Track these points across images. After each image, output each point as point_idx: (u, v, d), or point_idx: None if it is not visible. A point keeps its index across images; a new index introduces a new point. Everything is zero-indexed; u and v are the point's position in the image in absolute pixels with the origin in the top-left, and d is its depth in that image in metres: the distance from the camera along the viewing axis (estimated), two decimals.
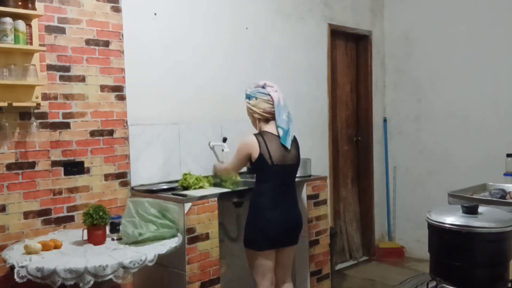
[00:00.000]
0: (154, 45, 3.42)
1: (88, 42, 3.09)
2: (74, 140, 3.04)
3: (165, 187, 3.25)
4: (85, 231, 2.69)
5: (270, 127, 2.94)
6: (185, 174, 3.32)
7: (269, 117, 2.94)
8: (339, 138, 5.05)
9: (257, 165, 2.91)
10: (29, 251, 2.49)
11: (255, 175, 3.00)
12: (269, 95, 2.92)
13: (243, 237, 3.00)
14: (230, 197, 3.28)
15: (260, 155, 2.85)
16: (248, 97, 2.98)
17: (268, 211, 2.89)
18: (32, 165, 2.87)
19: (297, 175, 3.66)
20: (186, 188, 3.21)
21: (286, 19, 4.33)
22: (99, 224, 2.65)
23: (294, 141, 3.01)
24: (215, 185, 3.35)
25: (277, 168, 2.90)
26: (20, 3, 2.66)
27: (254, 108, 2.94)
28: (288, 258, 3.08)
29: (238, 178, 3.41)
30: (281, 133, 2.91)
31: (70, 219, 3.02)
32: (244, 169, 3.42)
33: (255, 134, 2.92)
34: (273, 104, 2.91)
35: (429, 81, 5.05)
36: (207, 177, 3.36)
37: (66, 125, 3.00)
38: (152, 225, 2.75)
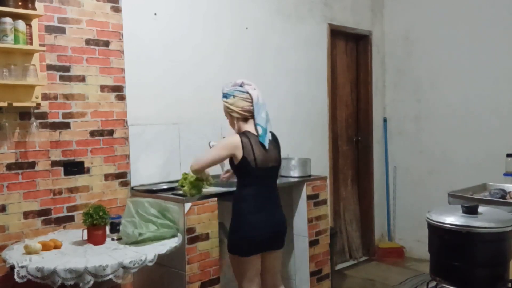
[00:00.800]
0: (154, 45, 3.42)
1: (88, 42, 3.09)
2: (74, 140, 3.04)
3: (165, 187, 3.25)
4: (85, 231, 2.69)
5: (249, 127, 2.82)
6: (185, 174, 3.31)
7: (248, 116, 2.82)
8: (339, 138, 5.05)
9: (240, 169, 2.77)
10: (29, 251, 2.48)
11: (237, 178, 2.87)
12: (247, 93, 2.81)
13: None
14: (230, 197, 3.27)
15: (243, 158, 2.73)
16: (226, 95, 2.85)
17: (252, 215, 2.78)
18: (32, 165, 2.87)
19: (296, 175, 3.70)
20: None
21: (286, 19, 4.33)
22: (99, 224, 2.65)
23: (275, 141, 2.91)
24: (215, 185, 3.34)
25: (261, 172, 2.79)
26: (20, 3, 2.66)
27: (232, 107, 2.81)
28: (274, 262, 2.97)
29: (210, 180, 3.16)
30: (260, 131, 2.78)
31: (70, 219, 3.02)
32: None
33: (239, 134, 2.79)
34: (251, 102, 2.80)
35: (429, 81, 5.04)
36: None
37: (66, 125, 3.00)
38: (152, 225, 2.75)
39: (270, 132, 2.88)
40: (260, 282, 2.92)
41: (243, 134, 2.78)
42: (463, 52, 4.75)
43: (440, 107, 4.96)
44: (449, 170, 4.87)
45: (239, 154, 2.73)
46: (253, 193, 2.80)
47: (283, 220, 2.93)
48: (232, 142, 2.75)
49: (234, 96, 2.82)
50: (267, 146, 2.80)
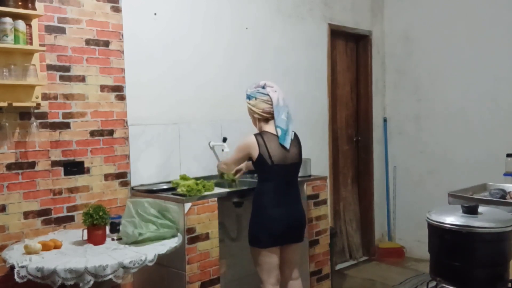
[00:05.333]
0: (154, 45, 3.42)
1: (88, 42, 3.09)
2: (74, 140, 3.04)
3: (165, 187, 3.25)
4: (85, 231, 2.69)
5: (270, 127, 2.97)
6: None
7: (269, 117, 2.98)
8: (339, 138, 5.05)
9: (258, 165, 2.95)
10: (29, 251, 2.49)
11: (257, 174, 3.03)
12: (268, 95, 2.96)
13: (247, 236, 3.01)
14: (230, 197, 3.28)
15: (260, 155, 2.89)
16: (248, 97, 3.02)
17: (271, 209, 2.92)
18: (32, 165, 2.87)
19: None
20: None
21: (286, 19, 4.33)
22: (99, 224, 2.65)
23: (295, 139, 3.04)
24: (215, 185, 3.34)
25: (278, 168, 2.92)
26: (20, 3, 2.66)
27: (254, 108, 2.98)
28: (293, 255, 3.10)
29: (237, 179, 3.41)
30: (279, 133, 2.93)
31: (70, 219, 3.02)
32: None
33: (255, 135, 2.94)
34: (271, 104, 2.95)
35: (429, 81, 5.04)
36: (206, 178, 3.33)
37: (66, 125, 3.00)
38: (152, 225, 2.75)
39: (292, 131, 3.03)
40: (279, 274, 3.03)
41: (259, 134, 2.95)
42: (463, 52, 4.75)
43: (440, 107, 4.96)
44: (449, 170, 4.87)
45: (255, 153, 2.91)
46: (272, 188, 2.95)
47: (301, 214, 3.08)
48: (245, 143, 2.96)
49: (256, 98, 2.98)
50: (288, 146, 2.95)
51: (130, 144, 3.28)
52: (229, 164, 3.19)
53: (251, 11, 4.03)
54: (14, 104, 2.70)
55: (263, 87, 2.99)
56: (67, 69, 3.01)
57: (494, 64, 4.57)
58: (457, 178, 4.58)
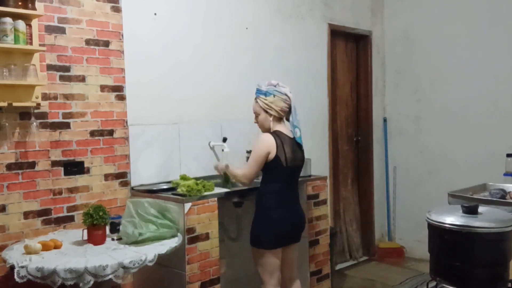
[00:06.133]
0: (154, 45, 3.42)
1: (88, 42, 3.09)
2: (74, 140, 3.04)
3: (165, 187, 3.25)
4: (85, 231, 2.69)
5: (282, 127, 2.95)
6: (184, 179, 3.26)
7: (283, 116, 2.96)
8: (339, 138, 5.05)
9: (271, 166, 2.88)
10: (29, 251, 2.49)
11: (263, 174, 2.96)
12: (286, 94, 2.93)
13: (247, 236, 3.00)
14: (230, 197, 3.28)
15: (276, 156, 2.85)
16: (265, 93, 2.93)
17: (275, 210, 2.91)
18: (32, 165, 2.87)
19: None
20: None
21: (286, 19, 4.33)
22: (99, 224, 2.65)
23: None
24: (215, 185, 3.34)
25: (288, 170, 2.92)
26: (20, 3, 2.66)
27: (272, 105, 2.90)
28: (292, 255, 3.11)
29: None
30: (297, 133, 2.93)
31: (70, 219, 3.02)
32: None
33: (271, 134, 2.89)
34: (289, 104, 2.93)
35: (429, 81, 5.05)
36: (206, 178, 3.34)
37: (66, 125, 3.00)
38: (152, 225, 2.75)
39: None
40: (280, 276, 3.02)
41: (274, 133, 2.90)
42: (463, 52, 4.75)
43: (440, 107, 4.96)
44: (449, 170, 4.87)
45: (273, 153, 2.85)
46: (277, 189, 2.92)
47: (303, 215, 3.08)
48: (268, 141, 2.86)
49: (274, 96, 2.92)
50: (303, 146, 2.96)
51: (130, 144, 3.28)
52: (248, 176, 2.91)
53: (251, 11, 4.03)
54: (14, 104, 2.70)
55: (275, 86, 2.94)
56: (67, 69, 3.01)
57: (494, 64, 4.57)
58: (457, 178, 4.57)
